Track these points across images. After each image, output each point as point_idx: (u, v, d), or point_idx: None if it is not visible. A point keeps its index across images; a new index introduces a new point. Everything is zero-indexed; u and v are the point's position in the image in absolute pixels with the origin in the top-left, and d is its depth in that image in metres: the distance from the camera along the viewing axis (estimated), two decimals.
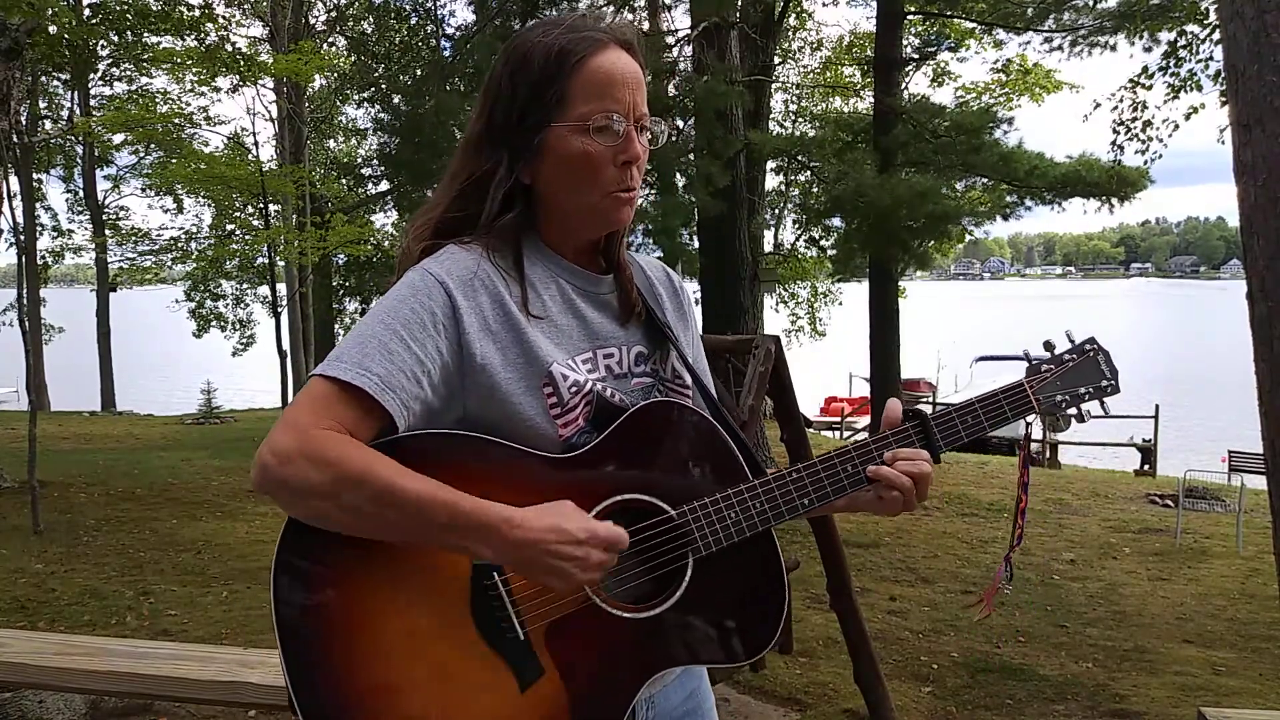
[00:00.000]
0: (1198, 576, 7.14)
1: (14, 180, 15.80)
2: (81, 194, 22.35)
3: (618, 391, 1.19)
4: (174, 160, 15.69)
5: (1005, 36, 13.53)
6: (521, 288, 1.16)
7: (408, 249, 1.21)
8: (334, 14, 20.38)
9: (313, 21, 19.91)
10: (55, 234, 22.69)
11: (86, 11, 11.43)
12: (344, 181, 19.67)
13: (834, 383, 24.57)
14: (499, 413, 1.12)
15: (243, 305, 22.92)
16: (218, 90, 17.97)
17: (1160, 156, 11.50)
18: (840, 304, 22.15)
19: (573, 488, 1.11)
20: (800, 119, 20.28)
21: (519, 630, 1.09)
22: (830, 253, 13.90)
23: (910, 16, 12.78)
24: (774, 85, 15.88)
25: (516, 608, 1.09)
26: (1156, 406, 15.28)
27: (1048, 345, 1.34)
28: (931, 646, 5.31)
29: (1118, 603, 6.38)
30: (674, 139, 10.24)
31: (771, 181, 17.79)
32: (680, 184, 10.80)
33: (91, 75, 18.22)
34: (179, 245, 19.02)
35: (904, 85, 14.20)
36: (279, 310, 13.43)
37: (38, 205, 20.98)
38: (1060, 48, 11.58)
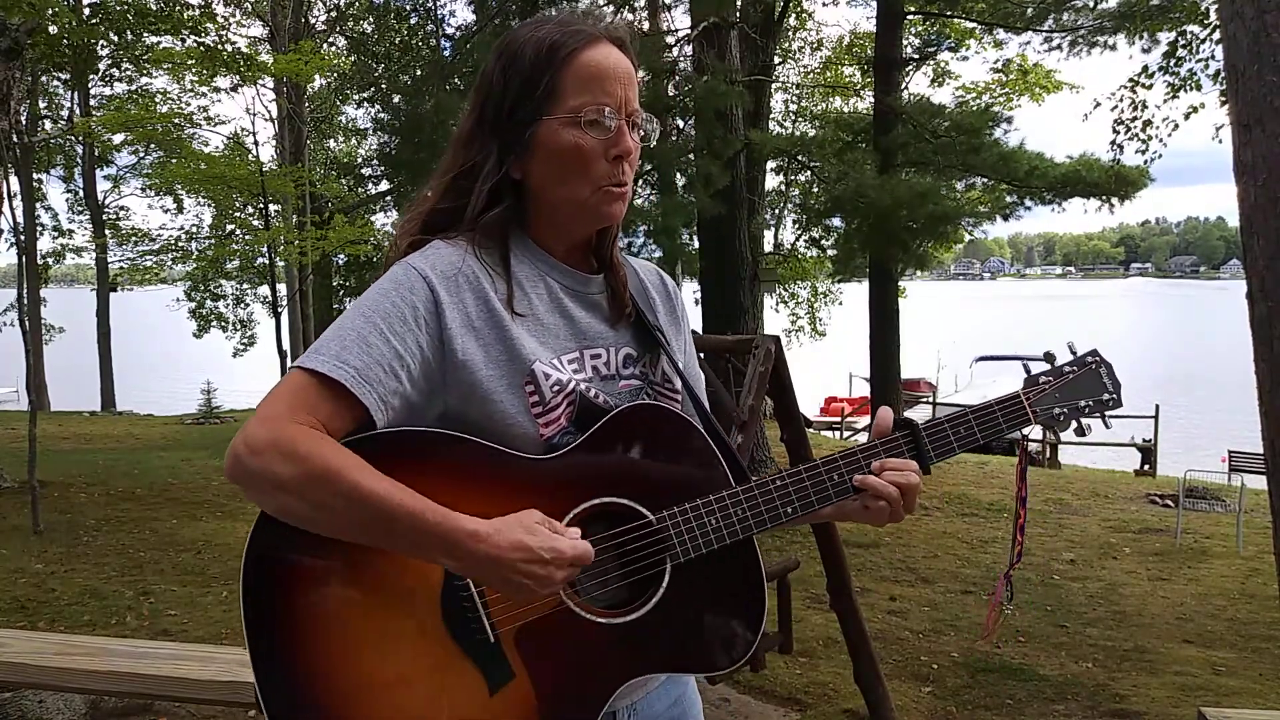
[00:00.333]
0: (1198, 576, 7.14)
1: (14, 180, 15.79)
2: (81, 194, 22.35)
3: (602, 393, 1.18)
4: (174, 160, 15.67)
5: (1005, 36, 13.55)
6: (508, 285, 1.15)
7: (395, 243, 1.21)
8: (334, 14, 20.38)
9: (313, 21, 19.90)
10: (55, 234, 22.69)
11: (86, 11, 11.42)
12: (344, 181, 19.66)
13: (834, 383, 24.56)
14: (480, 410, 1.11)
15: (243, 305, 22.92)
16: (218, 90, 17.98)
17: (1160, 156, 11.52)
18: (840, 304, 22.14)
19: (550, 489, 1.10)
20: (800, 119, 20.28)
21: (489, 632, 1.08)
22: (830, 253, 13.89)
23: (910, 16, 12.79)
24: (774, 85, 15.88)
25: (488, 609, 1.08)
26: (1156, 406, 15.27)
27: (1048, 356, 1.31)
28: (931, 646, 5.31)
29: (1118, 603, 6.38)
30: (674, 139, 10.25)
31: (771, 181, 17.80)
32: (680, 184, 10.81)
33: (91, 75, 18.20)
34: (179, 245, 19.01)
35: (904, 85, 14.20)
36: (279, 310, 13.42)
37: (38, 205, 20.98)
38: (1060, 48, 11.60)
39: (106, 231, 20.75)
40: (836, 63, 20.75)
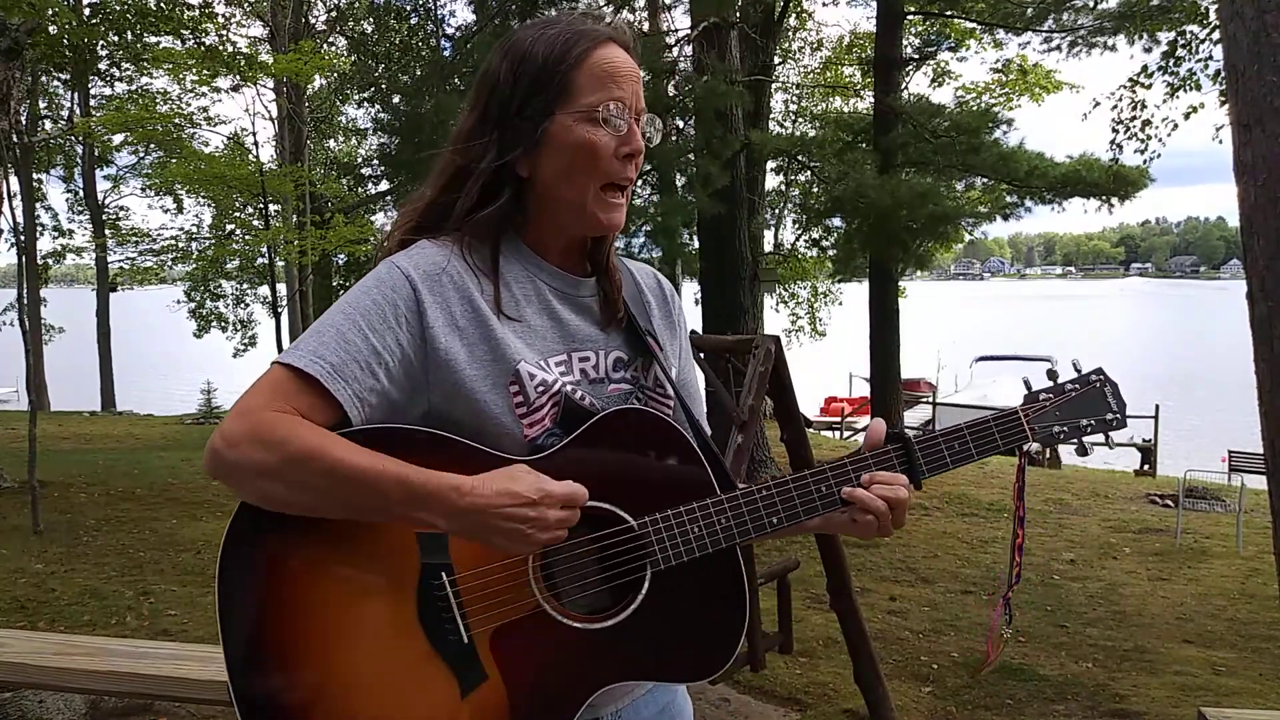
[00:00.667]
0: (1198, 576, 7.14)
1: (14, 180, 15.79)
2: (81, 194, 22.34)
3: (589, 395, 1.17)
4: (174, 160, 15.68)
5: (1005, 36, 13.53)
6: (495, 285, 1.15)
7: (387, 238, 1.21)
8: (334, 14, 20.38)
9: (313, 21, 19.91)
10: (55, 234, 22.68)
11: (86, 11, 11.44)
12: (344, 181, 19.65)
13: (834, 383, 24.56)
14: (464, 409, 1.11)
15: (243, 305, 22.92)
16: (218, 90, 17.94)
17: (1159, 155, 11.54)
18: (840, 304, 22.14)
19: None
20: (800, 119, 20.28)
21: (463, 633, 1.07)
22: (830, 253, 13.88)
23: (910, 16, 12.78)
24: (774, 85, 15.88)
25: (462, 610, 1.07)
26: (1156, 406, 15.28)
27: (1051, 374, 1.28)
28: (931, 646, 5.31)
29: (1118, 603, 6.38)
30: (674, 139, 10.24)
31: (771, 181, 17.81)
32: (680, 184, 10.80)
33: (91, 75, 18.20)
34: (179, 245, 19.00)
35: (904, 85, 14.18)
36: (279, 310, 13.42)
37: (38, 205, 20.97)
38: (1060, 48, 11.59)
39: (106, 231, 20.74)
40: (836, 63, 20.75)
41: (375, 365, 1.07)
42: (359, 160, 22.53)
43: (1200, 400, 26.18)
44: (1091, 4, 10.95)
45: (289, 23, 18.21)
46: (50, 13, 8.70)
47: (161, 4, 10.67)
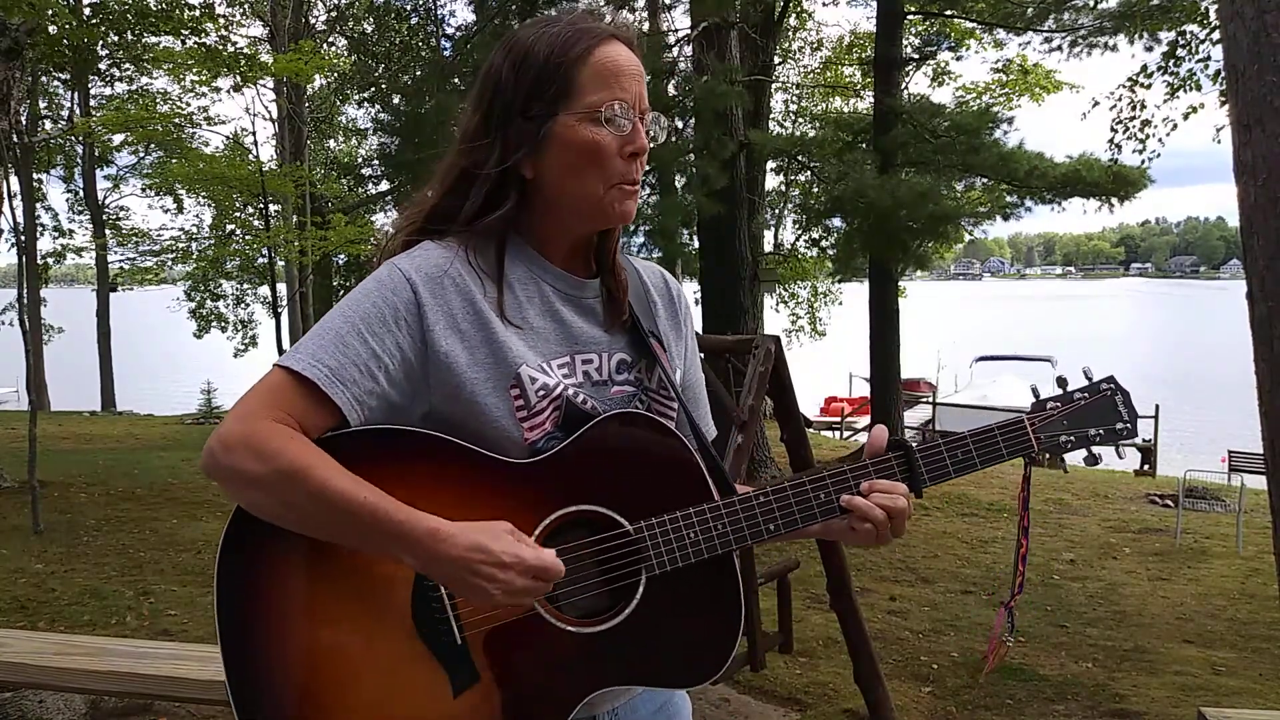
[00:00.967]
0: (1198, 576, 7.14)
1: (14, 180, 15.79)
2: (81, 194, 22.34)
3: (591, 398, 1.16)
4: (174, 160, 15.68)
5: (1005, 36, 13.53)
6: (498, 288, 1.14)
7: (390, 239, 1.20)
8: (334, 14, 20.38)
9: (313, 21, 19.90)
10: (55, 234, 22.65)
11: (86, 11, 11.42)
12: (344, 181, 19.66)
13: (834, 383, 24.55)
14: (464, 411, 1.11)
15: (243, 305, 22.92)
16: (218, 90, 17.92)
17: (1158, 155, 11.54)
18: (840, 304, 22.13)
19: (529, 493, 1.10)
20: (800, 119, 20.27)
21: (457, 634, 1.08)
22: (830, 253, 13.88)
23: (910, 16, 12.78)
24: (774, 85, 15.88)
25: (456, 612, 1.08)
26: (1156, 406, 15.26)
27: (1060, 382, 1.26)
28: (931, 646, 5.31)
29: (1118, 603, 6.38)
30: (674, 139, 10.25)
31: (771, 181, 17.80)
32: (680, 184, 10.80)
33: (91, 75, 18.20)
34: (179, 245, 19.00)
35: (904, 85, 14.18)
36: (279, 310, 13.41)
37: (38, 205, 20.96)
38: (1060, 48, 11.59)
39: (106, 231, 20.74)
40: (836, 63, 20.75)
41: (374, 368, 1.07)
42: (359, 160, 22.53)
43: (1200, 400, 26.17)
44: (1092, 4, 10.96)
45: (289, 23, 18.20)
46: (50, 13, 8.69)
47: (162, 4, 10.66)
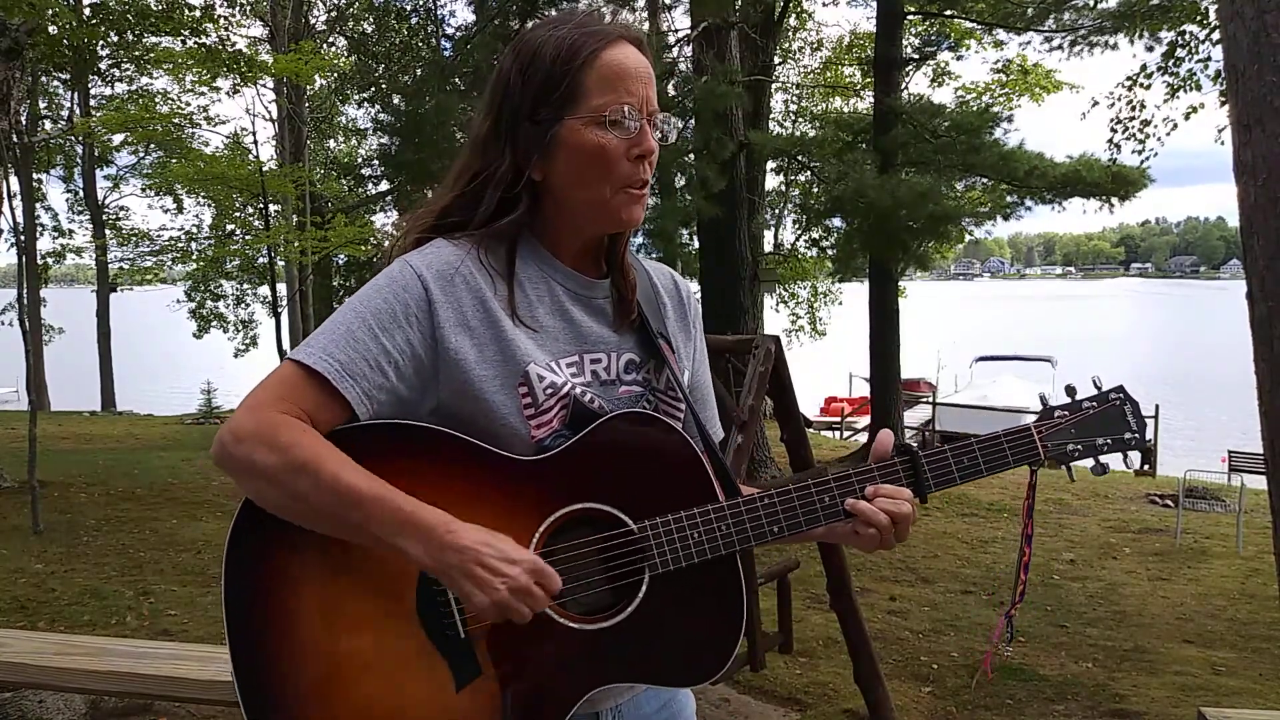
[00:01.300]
0: (1198, 576, 7.14)
1: (14, 180, 15.79)
2: (81, 194, 22.34)
3: (599, 398, 1.17)
4: (174, 160, 15.68)
5: (1005, 36, 13.55)
6: (509, 287, 1.15)
7: (402, 237, 1.21)
8: (334, 14, 20.38)
9: (313, 21, 19.89)
10: (55, 234, 22.67)
11: (86, 11, 11.42)
12: (344, 181, 19.66)
13: (834, 383, 24.54)
14: (473, 408, 1.11)
15: (243, 305, 22.93)
16: (218, 90, 17.94)
17: (1156, 155, 11.54)
18: (840, 304, 22.14)
19: (534, 490, 1.11)
20: (800, 119, 20.29)
21: (460, 628, 1.09)
22: (830, 253, 13.88)
23: (910, 16, 12.78)
24: (774, 85, 15.89)
25: (459, 605, 1.09)
26: (1156, 406, 15.25)
27: (1069, 390, 1.25)
28: (931, 646, 5.31)
29: (1118, 603, 6.38)
30: (674, 140, 10.24)
31: (771, 181, 17.82)
32: (679, 185, 10.80)
33: (91, 75, 18.20)
34: (179, 245, 19.01)
35: (904, 85, 14.19)
36: (279, 310, 13.42)
37: (38, 205, 20.97)
38: (1060, 47, 11.60)
39: (106, 231, 20.75)
40: (836, 63, 20.76)
41: (385, 364, 1.09)
42: (359, 160, 22.54)
43: (1200, 400, 26.17)
44: (1092, 4, 10.96)
45: (289, 23, 18.20)
46: (50, 13, 8.69)
47: (162, 4, 10.67)
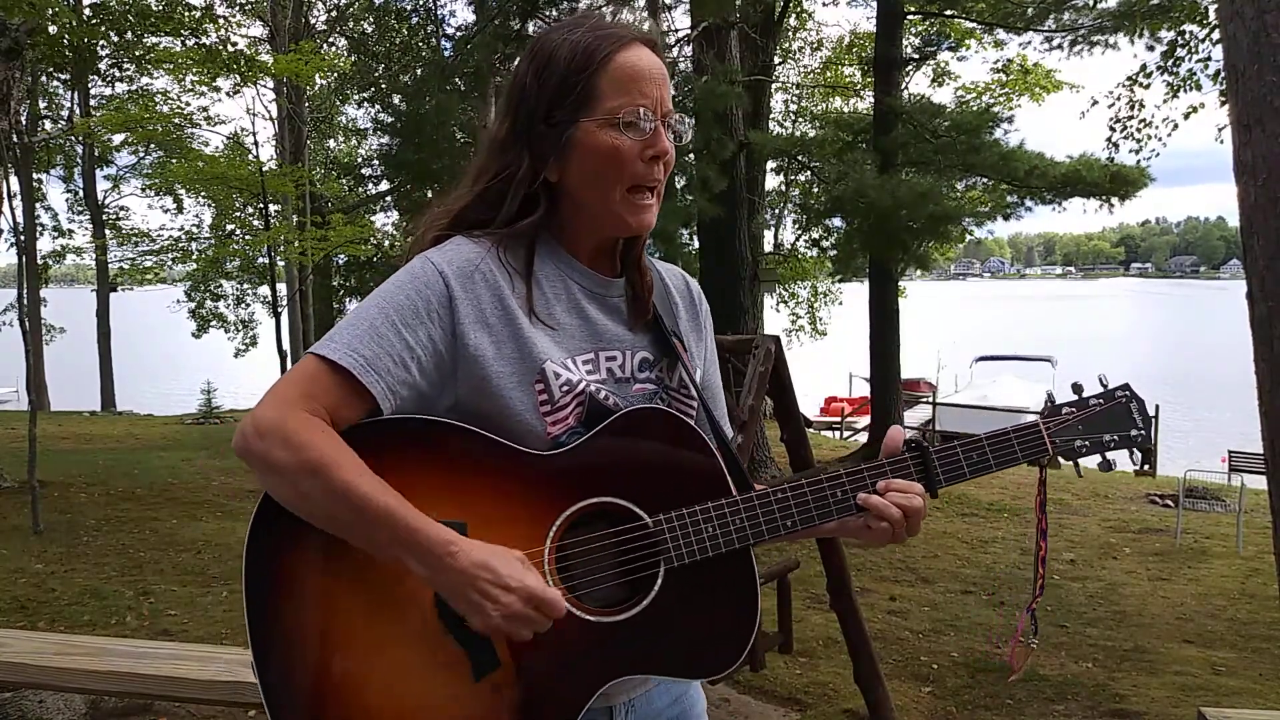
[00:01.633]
0: (1198, 576, 7.14)
1: (14, 180, 15.79)
2: (81, 194, 22.33)
3: (614, 395, 1.19)
4: (174, 160, 15.68)
5: (1005, 36, 13.54)
6: (527, 285, 1.17)
7: (421, 235, 1.22)
8: (334, 14, 20.38)
9: (313, 21, 19.90)
10: (55, 234, 22.67)
11: (87, 11, 11.43)
12: (344, 181, 19.67)
13: (834, 383, 24.55)
14: (490, 404, 1.13)
15: (243, 305, 22.92)
16: (218, 90, 17.96)
17: (1156, 155, 11.54)
18: (840, 304, 22.15)
19: (550, 485, 1.12)
20: (800, 119, 20.29)
21: None
22: (830, 253, 13.89)
23: (910, 16, 12.79)
24: (774, 85, 15.88)
25: None
26: (1156, 407, 15.25)
27: (1076, 387, 1.28)
28: (931, 646, 5.31)
29: (1118, 603, 6.38)
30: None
31: (771, 181, 17.82)
32: (679, 186, 10.81)
33: (91, 75, 18.19)
34: (179, 245, 19.00)
35: (904, 85, 14.20)
36: (279, 310, 13.42)
37: (38, 205, 20.96)
38: (1060, 47, 11.60)
39: (106, 231, 20.74)
40: (836, 63, 20.77)
41: (408, 359, 1.10)
42: (359, 160, 22.55)
43: (1200, 400, 26.18)
44: (1092, 3, 10.96)
45: (289, 23, 18.20)
46: (50, 13, 8.69)
47: (162, 4, 10.67)
